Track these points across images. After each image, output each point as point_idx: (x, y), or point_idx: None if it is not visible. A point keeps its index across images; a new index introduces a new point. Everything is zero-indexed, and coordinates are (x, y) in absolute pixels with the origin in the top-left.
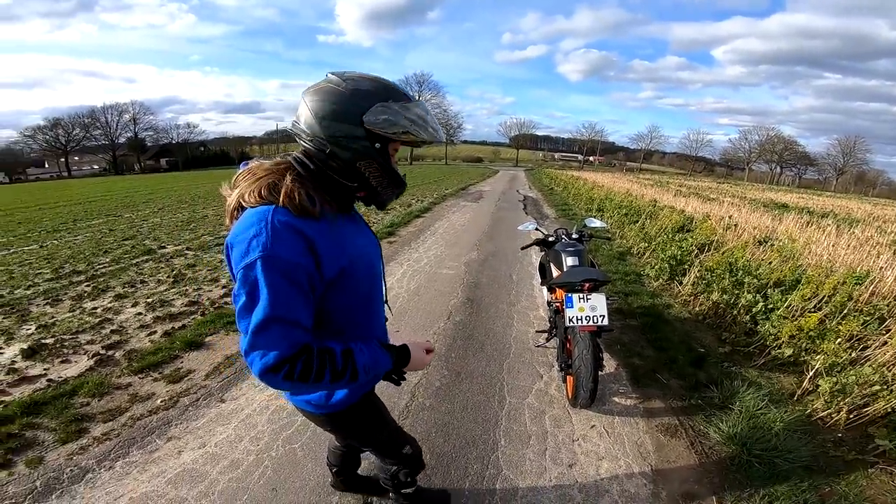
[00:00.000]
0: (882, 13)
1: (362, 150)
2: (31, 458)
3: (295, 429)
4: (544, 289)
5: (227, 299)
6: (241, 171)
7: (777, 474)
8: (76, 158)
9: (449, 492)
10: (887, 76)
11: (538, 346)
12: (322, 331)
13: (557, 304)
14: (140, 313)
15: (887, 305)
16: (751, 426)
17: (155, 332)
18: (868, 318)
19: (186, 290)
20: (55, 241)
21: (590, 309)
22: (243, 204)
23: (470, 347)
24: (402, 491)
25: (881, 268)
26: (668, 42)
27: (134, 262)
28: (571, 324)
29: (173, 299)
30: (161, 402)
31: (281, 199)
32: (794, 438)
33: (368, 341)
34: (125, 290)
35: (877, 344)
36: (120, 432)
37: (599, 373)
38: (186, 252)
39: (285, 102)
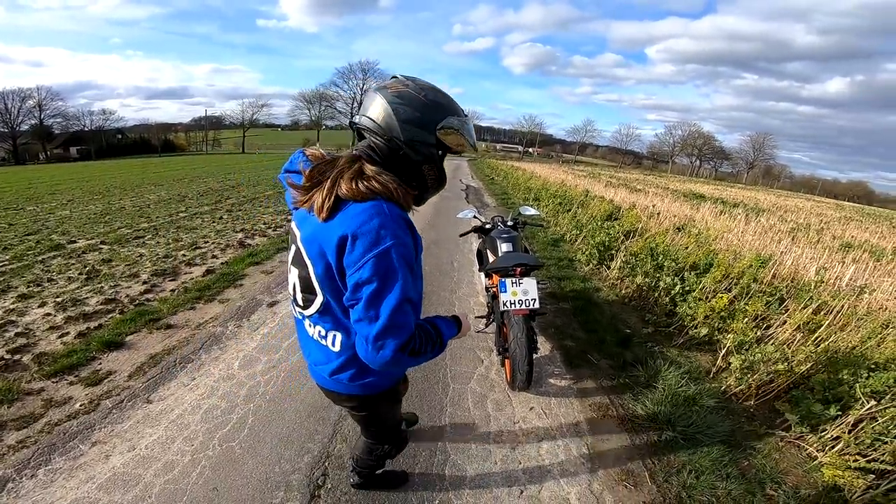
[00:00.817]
0: (802, 18)
1: (430, 155)
2: None
3: (231, 427)
4: (482, 275)
5: (149, 296)
6: (307, 167)
7: (700, 449)
8: None
9: (407, 472)
10: (796, 77)
11: (478, 332)
12: None
13: (494, 290)
14: (49, 314)
15: (786, 287)
16: (673, 403)
17: (67, 333)
18: (770, 299)
19: (102, 287)
20: None
21: (522, 293)
22: (342, 196)
23: None
24: (373, 472)
25: (781, 252)
26: (607, 40)
27: (39, 258)
28: (506, 308)
29: (87, 297)
30: (80, 405)
31: (393, 196)
32: (713, 415)
33: (436, 316)
34: (30, 289)
35: (778, 323)
36: (37, 439)
37: (534, 355)
38: (101, 246)
39: (217, 88)
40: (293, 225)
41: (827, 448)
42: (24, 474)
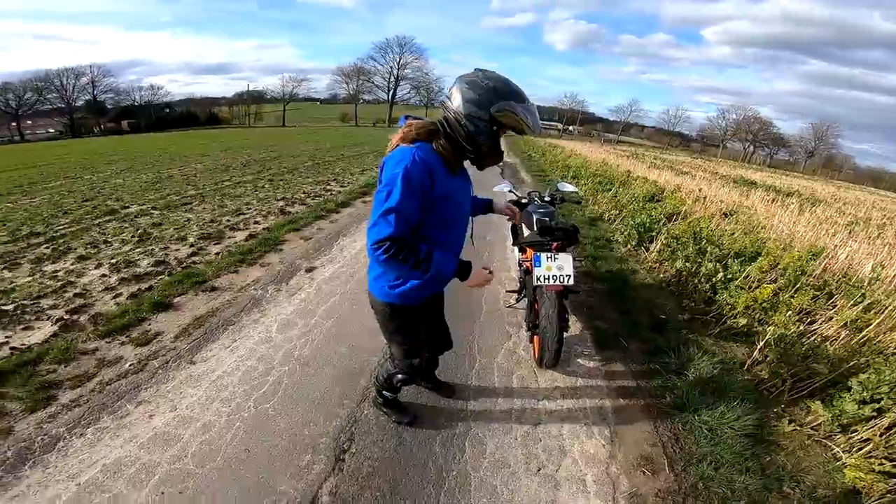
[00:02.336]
0: (878, 4)
1: (484, 129)
2: None
3: (266, 389)
4: (515, 249)
5: (196, 258)
6: (403, 124)
7: (723, 441)
8: (29, 122)
9: (416, 415)
10: (869, 65)
11: (508, 307)
12: (421, 234)
13: (527, 264)
14: (104, 275)
15: (836, 282)
16: (702, 393)
17: (120, 294)
18: (818, 293)
19: (152, 249)
20: (9, 205)
21: (557, 268)
22: (398, 143)
23: None
24: (385, 392)
25: (835, 246)
26: (659, 19)
27: (96, 222)
28: (539, 283)
29: (139, 259)
30: (130, 365)
31: (436, 147)
32: (741, 407)
33: (439, 250)
34: (87, 251)
35: (823, 318)
36: (89, 398)
37: (564, 334)
38: (152, 211)
39: (260, 63)
40: None
41: (854, 449)
42: (74, 433)
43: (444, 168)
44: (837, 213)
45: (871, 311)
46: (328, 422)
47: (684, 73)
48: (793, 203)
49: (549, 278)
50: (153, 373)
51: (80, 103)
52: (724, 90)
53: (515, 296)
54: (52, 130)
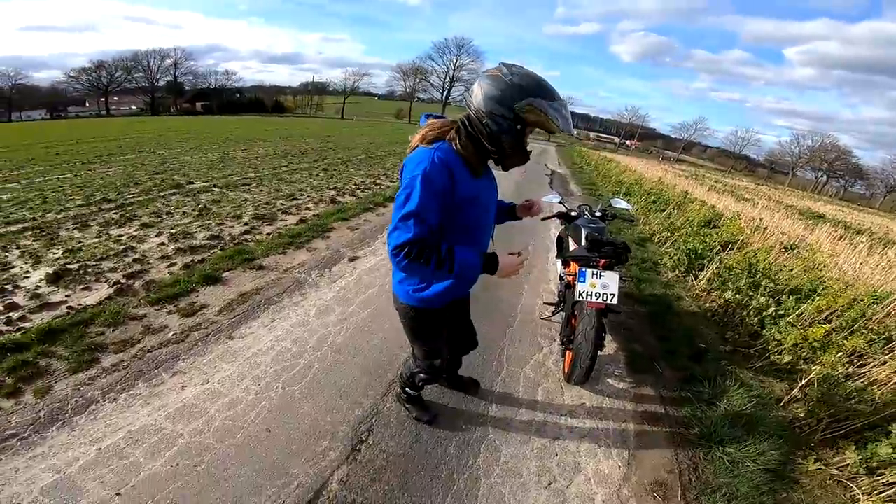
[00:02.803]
0: None
1: (507, 127)
2: (39, 388)
3: (297, 371)
4: (558, 262)
5: (248, 236)
6: (424, 123)
7: (742, 474)
8: (115, 99)
9: (437, 414)
10: None
11: (543, 319)
12: (445, 237)
13: (570, 278)
14: (163, 243)
15: None
16: (731, 425)
17: (175, 263)
18: (875, 337)
19: (209, 223)
20: (88, 172)
21: (601, 286)
22: (419, 144)
23: (475, 311)
24: (407, 389)
25: None
26: (737, 35)
27: (162, 194)
28: (580, 298)
29: (196, 232)
30: (172, 335)
31: (456, 148)
32: (769, 442)
33: (460, 248)
34: (151, 219)
35: (876, 362)
36: (129, 364)
37: (599, 352)
38: (213, 189)
39: (325, 56)
40: None
41: (875, 493)
42: (108, 397)
43: (465, 169)
44: None
45: None
46: (351, 411)
47: (759, 94)
48: (862, 242)
49: (591, 295)
50: (193, 344)
51: (161, 83)
52: (803, 114)
53: (552, 308)
54: (133, 107)
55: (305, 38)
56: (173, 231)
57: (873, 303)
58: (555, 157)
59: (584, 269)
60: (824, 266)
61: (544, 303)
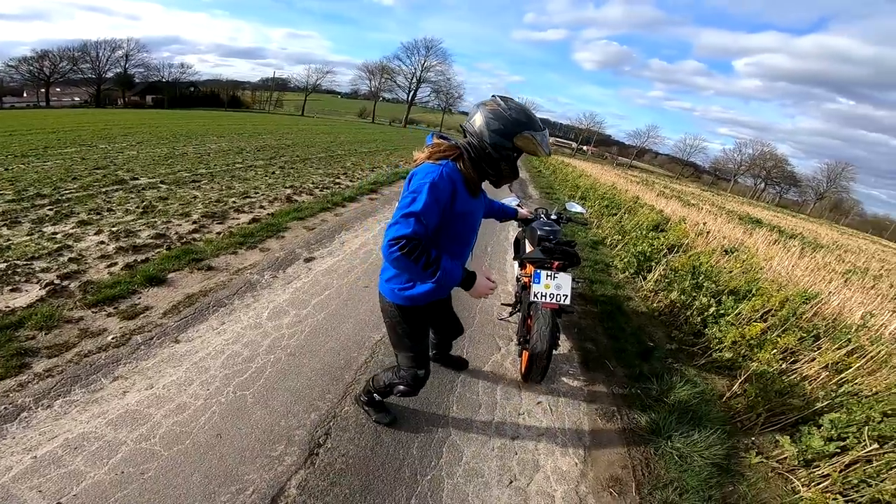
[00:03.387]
0: None
1: (506, 155)
2: None
3: (249, 376)
4: (515, 263)
5: (196, 235)
6: (429, 143)
7: (692, 468)
8: (58, 90)
9: (396, 417)
10: None
11: (501, 319)
12: (436, 243)
13: (525, 280)
14: (102, 242)
15: (825, 325)
16: (679, 420)
17: (116, 263)
18: (805, 335)
19: (155, 222)
20: (21, 166)
21: (555, 287)
22: (425, 160)
23: None
24: (374, 395)
25: (829, 292)
26: (692, 46)
27: (103, 190)
28: (535, 299)
29: (139, 230)
30: (112, 338)
31: (460, 168)
32: (714, 436)
33: (448, 257)
34: (90, 216)
35: (806, 359)
36: (64, 369)
37: (554, 352)
38: (160, 185)
39: (289, 52)
40: None
41: (813, 484)
42: (41, 404)
43: (465, 188)
44: (837, 259)
45: (854, 356)
46: (307, 415)
47: (708, 103)
48: (794, 246)
49: (546, 296)
50: (135, 348)
51: (110, 75)
52: (746, 123)
53: (509, 309)
54: (77, 99)
55: (271, 32)
56: (114, 229)
57: (803, 302)
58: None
59: (538, 271)
60: (760, 268)
61: (502, 304)
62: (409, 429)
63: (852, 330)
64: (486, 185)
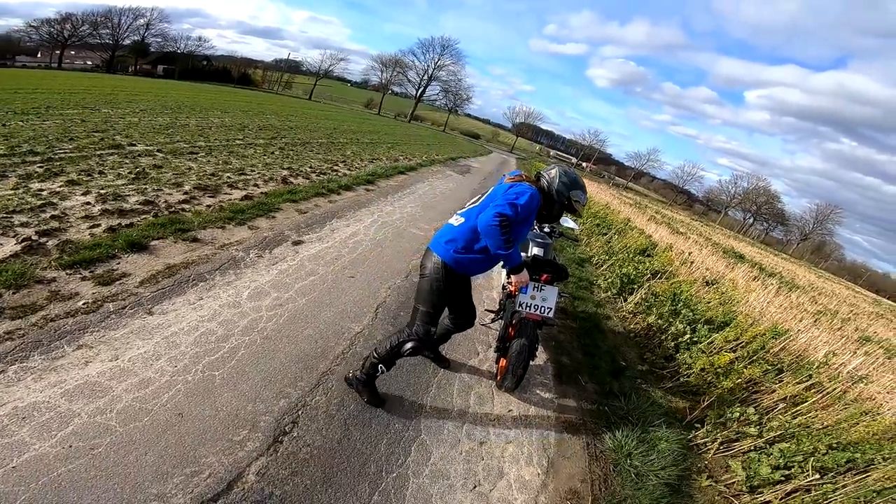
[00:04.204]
0: None
1: (560, 203)
2: None
3: (220, 356)
4: (503, 271)
5: (186, 206)
6: (515, 174)
7: (646, 487)
8: (72, 53)
9: (385, 401)
10: None
11: (483, 325)
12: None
13: (511, 288)
14: (88, 203)
15: (789, 361)
16: (640, 440)
17: (99, 225)
18: (770, 367)
19: (145, 188)
20: (20, 123)
21: (541, 299)
22: (521, 180)
23: None
24: (379, 368)
25: (798, 330)
26: (708, 74)
27: (98, 153)
28: (520, 309)
29: (128, 195)
30: (83, 304)
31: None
32: (670, 458)
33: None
34: (80, 177)
35: (767, 390)
36: (26, 332)
37: (531, 362)
38: (156, 153)
39: (308, 35)
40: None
41: None
42: None
43: (535, 208)
44: (810, 300)
45: (812, 391)
46: (275, 401)
47: (713, 132)
48: (772, 284)
49: (531, 307)
50: (105, 316)
51: (127, 42)
52: (746, 156)
53: (492, 315)
54: (89, 63)
55: (293, 14)
56: (103, 192)
57: (773, 337)
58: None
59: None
60: (738, 302)
61: (485, 309)
62: (380, 425)
63: (814, 367)
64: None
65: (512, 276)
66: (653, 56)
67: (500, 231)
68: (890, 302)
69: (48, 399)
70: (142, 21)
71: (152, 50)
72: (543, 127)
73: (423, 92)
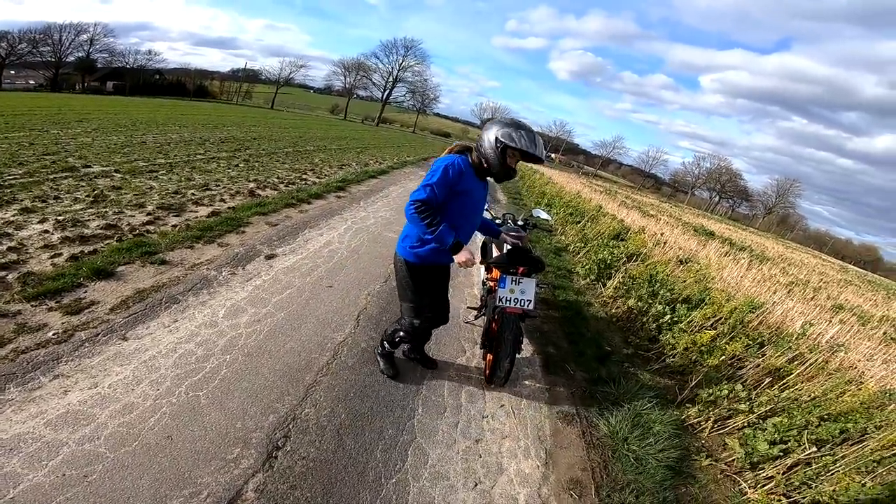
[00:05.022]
0: (879, 69)
1: (493, 152)
2: None
3: (202, 376)
4: (482, 267)
5: (150, 227)
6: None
7: (647, 470)
8: (12, 72)
9: (398, 373)
10: (847, 128)
11: (467, 322)
12: (445, 213)
13: (492, 284)
14: (46, 231)
15: (769, 334)
16: (634, 424)
17: (60, 254)
18: (751, 342)
19: (105, 212)
20: None
21: (520, 292)
22: (448, 153)
23: None
24: (385, 343)
25: (774, 302)
26: (664, 61)
27: (51, 177)
28: (500, 304)
29: (88, 220)
30: (53, 334)
31: (471, 158)
32: (667, 440)
33: (458, 231)
34: (34, 203)
35: (751, 365)
36: None
37: (517, 355)
38: (114, 174)
39: (265, 44)
40: None
41: (759, 486)
42: None
43: (472, 173)
44: (781, 272)
45: (795, 363)
46: (264, 417)
47: (673, 117)
48: (744, 258)
49: (511, 301)
50: (78, 345)
51: (71, 59)
52: (706, 138)
53: (475, 312)
54: (32, 83)
55: (247, 23)
56: (61, 218)
57: (750, 311)
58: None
59: (504, 277)
60: (712, 278)
61: (468, 307)
62: (373, 432)
63: (793, 338)
64: None
65: (454, 257)
66: (610, 46)
67: (418, 217)
68: (856, 268)
69: (32, 430)
70: (85, 37)
71: (99, 66)
72: None
73: (390, 94)
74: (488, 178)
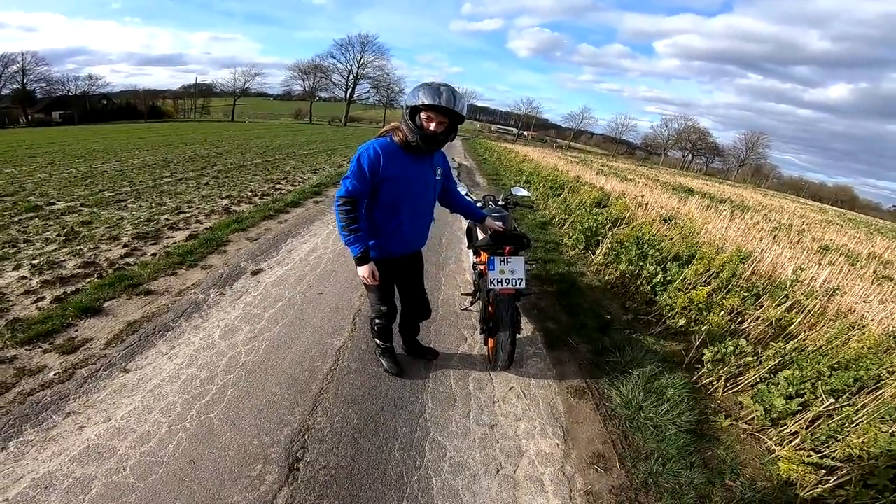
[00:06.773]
0: (819, 24)
1: (406, 120)
2: None
3: (210, 398)
4: (470, 252)
5: (130, 260)
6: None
7: (668, 437)
8: None
9: (403, 369)
10: (801, 81)
11: (463, 310)
12: (374, 204)
13: (482, 268)
14: (24, 277)
15: (763, 284)
16: (646, 391)
17: (43, 297)
18: (747, 294)
19: (80, 249)
20: None
21: (510, 272)
22: (375, 138)
23: None
24: (377, 340)
25: (762, 250)
26: (617, 31)
27: (15, 220)
28: (492, 286)
29: (64, 260)
30: (55, 374)
31: (396, 138)
32: (683, 404)
33: (365, 236)
34: (4, 251)
35: (752, 318)
36: (9, 410)
37: (517, 336)
38: (81, 208)
39: (213, 56)
40: None
41: (784, 442)
42: None
43: (402, 154)
44: (763, 219)
45: (794, 311)
46: (279, 430)
47: (635, 84)
48: (725, 209)
49: (502, 282)
50: (82, 382)
51: (6, 92)
52: (670, 101)
53: (470, 298)
54: None
55: (191, 37)
56: (35, 262)
57: (741, 262)
58: (461, 151)
59: (492, 258)
60: (698, 233)
61: (462, 294)
62: (388, 431)
63: (787, 285)
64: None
65: (357, 268)
66: (565, 21)
67: (340, 217)
68: (834, 208)
69: (60, 467)
70: (15, 68)
71: (39, 96)
72: (479, 104)
73: (353, 92)
74: (441, 151)
